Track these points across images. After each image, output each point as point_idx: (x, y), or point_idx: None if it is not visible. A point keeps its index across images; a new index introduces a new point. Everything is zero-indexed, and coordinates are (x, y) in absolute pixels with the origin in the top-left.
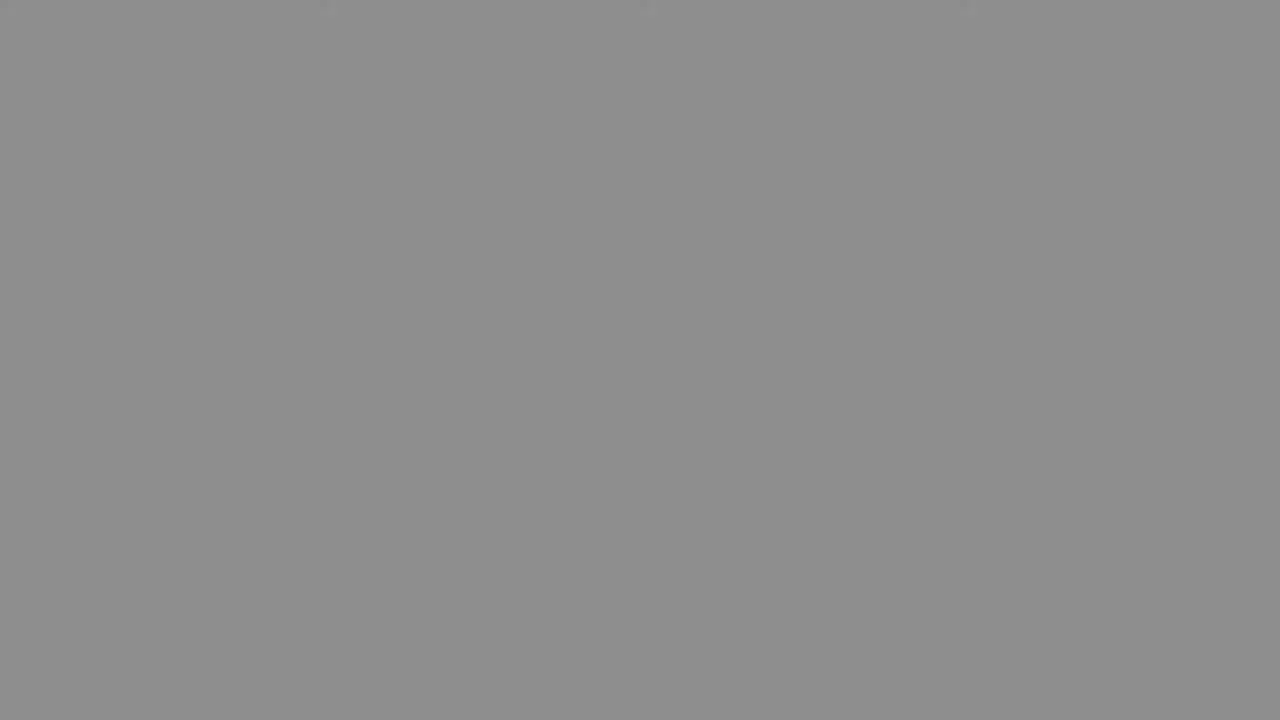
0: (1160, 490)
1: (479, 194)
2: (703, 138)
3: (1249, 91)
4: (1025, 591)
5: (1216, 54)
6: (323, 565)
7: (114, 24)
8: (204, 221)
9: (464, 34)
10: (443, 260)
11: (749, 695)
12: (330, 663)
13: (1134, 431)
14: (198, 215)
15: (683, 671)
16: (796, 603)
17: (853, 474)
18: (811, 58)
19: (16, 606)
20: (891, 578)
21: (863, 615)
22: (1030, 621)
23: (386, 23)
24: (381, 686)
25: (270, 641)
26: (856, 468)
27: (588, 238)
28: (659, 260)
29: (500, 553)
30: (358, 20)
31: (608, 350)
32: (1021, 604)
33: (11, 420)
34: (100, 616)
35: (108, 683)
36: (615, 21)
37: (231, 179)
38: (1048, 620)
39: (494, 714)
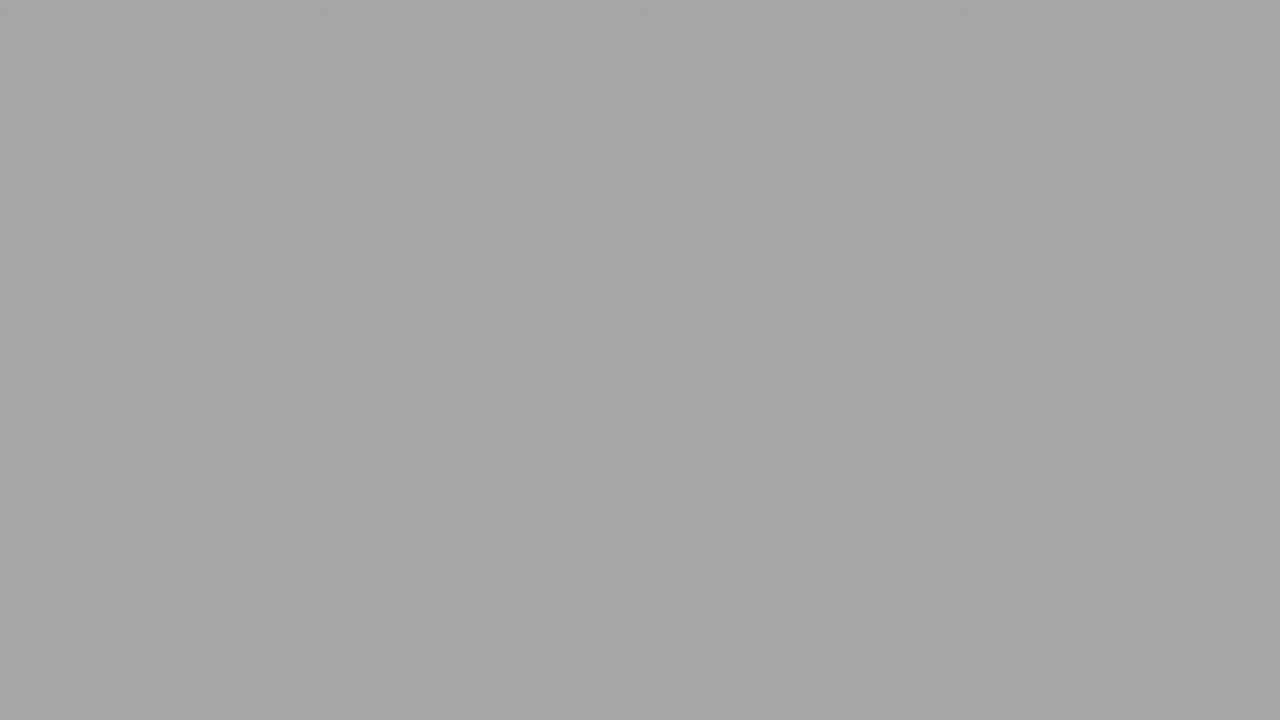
0: (1160, 490)
1: (479, 194)
2: (703, 138)
3: (1249, 91)
4: (1025, 591)
5: (1216, 54)
6: (323, 565)
7: (114, 24)
8: (204, 221)
9: (464, 34)
10: (443, 260)
11: (749, 695)
12: (330, 663)
13: (1134, 432)
14: (198, 215)
15: (682, 671)
16: (797, 603)
17: (852, 475)
18: (811, 58)
19: (16, 606)
20: (891, 578)
21: (863, 615)
22: (1030, 621)
23: (387, 23)
24: (381, 686)
25: (270, 641)
26: (856, 468)
27: (588, 238)
28: (659, 261)
29: (500, 553)
30: (358, 20)
31: (608, 351)
32: (1021, 604)
33: (11, 420)
34: (100, 616)
35: (108, 683)
36: (615, 22)
37: (232, 179)
38: (1048, 620)
39: (494, 714)
